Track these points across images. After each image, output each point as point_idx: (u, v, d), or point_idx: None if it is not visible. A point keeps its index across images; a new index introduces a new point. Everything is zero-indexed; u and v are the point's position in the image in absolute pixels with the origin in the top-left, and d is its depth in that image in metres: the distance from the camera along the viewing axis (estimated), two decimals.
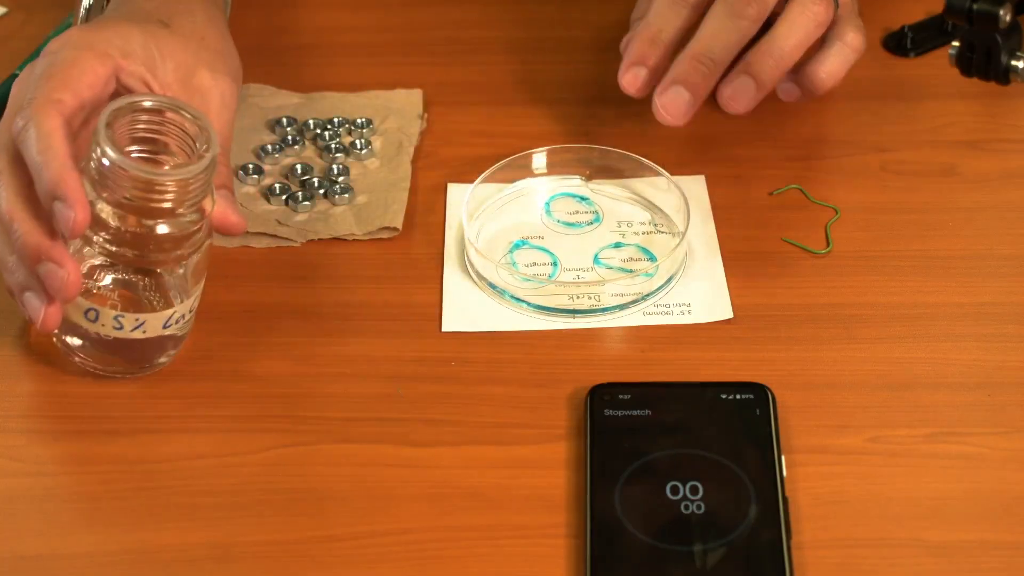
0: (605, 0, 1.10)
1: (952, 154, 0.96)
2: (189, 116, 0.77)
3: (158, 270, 0.80)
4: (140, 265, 0.79)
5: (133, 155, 0.77)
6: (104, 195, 0.76)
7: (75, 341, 0.80)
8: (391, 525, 0.75)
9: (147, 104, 0.77)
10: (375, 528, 0.75)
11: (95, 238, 0.77)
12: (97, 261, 0.79)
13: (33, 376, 0.82)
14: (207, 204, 0.78)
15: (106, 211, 0.76)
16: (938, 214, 0.92)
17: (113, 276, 0.80)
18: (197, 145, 0.77)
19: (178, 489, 0.77)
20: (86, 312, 0.78)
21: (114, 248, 0.77)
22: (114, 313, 0.78)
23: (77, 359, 0.81)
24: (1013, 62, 0.98)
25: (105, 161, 0.75)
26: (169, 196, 0.75)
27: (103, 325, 0.79)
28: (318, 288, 0.88)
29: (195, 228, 0.78)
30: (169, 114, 0.77)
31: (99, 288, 0.80)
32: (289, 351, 0.84)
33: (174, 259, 0.78)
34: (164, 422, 0.80)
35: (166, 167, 0.77)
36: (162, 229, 0.77)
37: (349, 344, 0.84)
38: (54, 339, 0.81)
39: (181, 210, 0.76)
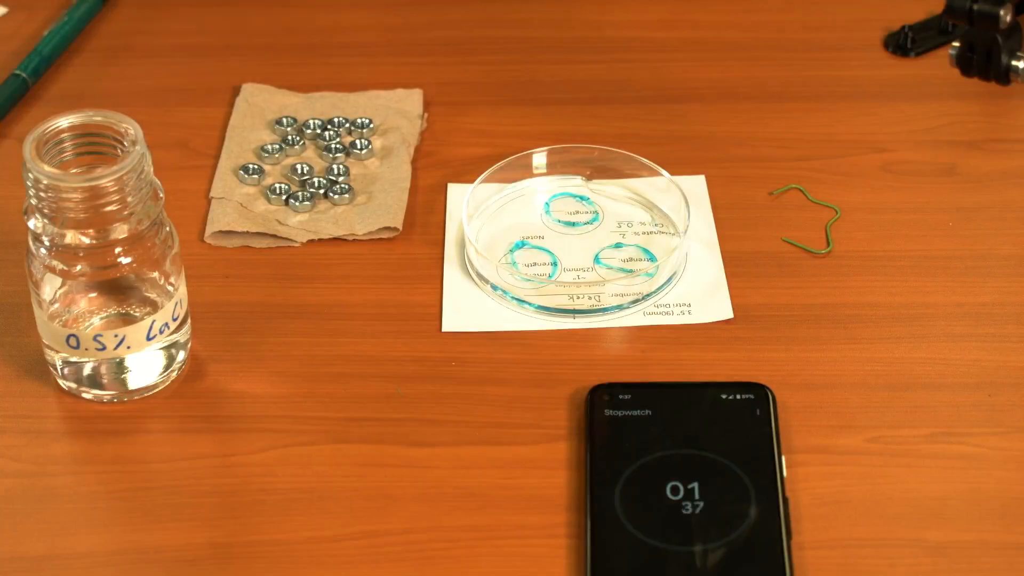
0: (605, 0, 1.10)
1: (952, 154, 0.96)
2: (110, 120, 0.77)
3: (134, 281, 0.79)
4: (112, 277, 0.78)
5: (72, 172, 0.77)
6: (56, 220, 0.76)
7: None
8: (391, 525, 0.75)
9: (65, 124, 0.77)
10: (375, 528, 0.75)
11: (61, 267, 0.77)
12: (76, 291, 0.79)
13: (33, 376, 0.82)
14: (155, 196, 0.78)
15: (67, 236, 0.76)
16: (938, 214, 0.92)
17: (89, 297, 0.80)
18: (125, 144, 0.77)
19: (178, 489, 0.77)
20: (67, 339, 0.79)
21: (84, 268, 0.77)
22: (94, 333, 0.78)
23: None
24: (1013, 62, 0.98)
25: (44, 182, 0.74)
26: (114, 197, 0.75)
27: (86, 349, 0.79)
28: (318, 288, 0.88)
29: (152, 222, 0.78)
30: (89, 126, 0.77)
31: (80, 315, 0.80)
32: (289, 351, 0.84)
33: (145, 262, 0.78)
34: (165, 422, 0.80)
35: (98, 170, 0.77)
36: (120, 232, 0.77)
37: (349, 344, 0.84)
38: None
39: (129, 208, 0.76)
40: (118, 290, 0.80)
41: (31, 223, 0.77)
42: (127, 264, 0.78)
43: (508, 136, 0.98)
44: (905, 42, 1.05)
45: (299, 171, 0.94)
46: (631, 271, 0.88)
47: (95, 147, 0.77)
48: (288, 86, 1.02)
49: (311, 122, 0.98)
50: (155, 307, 0.80)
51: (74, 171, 0.76)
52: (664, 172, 0.92)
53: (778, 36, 1.07)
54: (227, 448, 0.79)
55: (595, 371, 0.82)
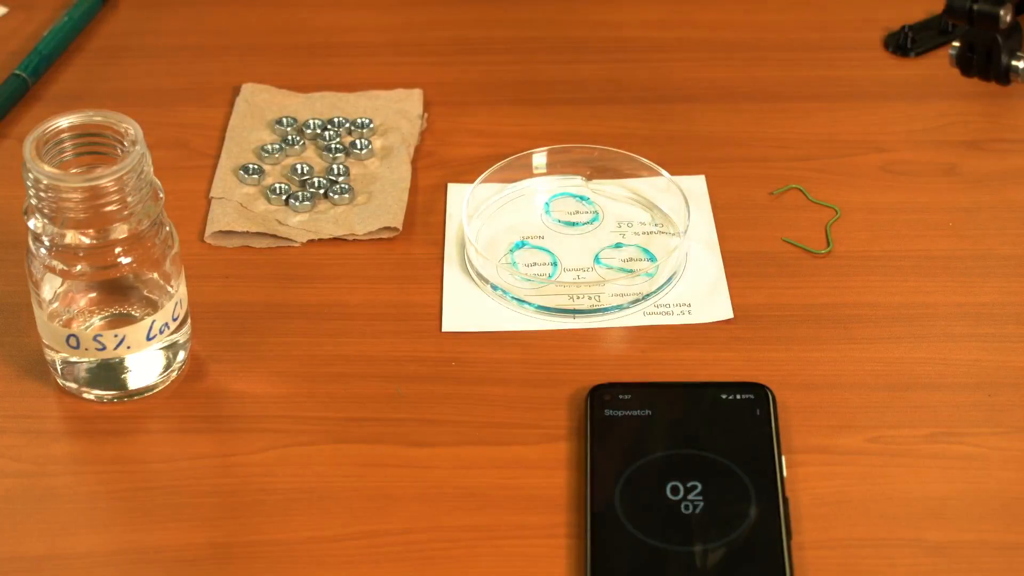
0: (605, 0, 1.10)
1: (952, 154, 0.96)
2: (110, 120, 0.77)
3: (133, 281, 0.79)
4: (112, 277, 0.78)
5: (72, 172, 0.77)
6: (56, 220, 0.75)
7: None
8: (391, 525, 0.75)
9: (65, 124, 0.77)
10: (375, 528, 0.75)
11: (61, 267, 0.77)
12: (76, 291, 0.79)
13: (33, 376, 0.82)
14: (155, 196, 0.78)
15: (67, 236, 0.76)
16: (938, 214, 0.92)
17: (89, 297, 0.80)
18: (125, 144, 0.77)
19: (178, 489, 0.77)
20: (67, 339, 0.79)
21: (84, 268, 0.77)
22: (93, 333, 0.78)
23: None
24: (1013, 62, 0.98)
25: (44, 182, 0.74)
26: (114, 197, 0.75)
27: (86, 349, 0.79)
28: (318, 288, 0.88)
29: (152, 222, 0.78)
30: (89, 126, 0.77)
31: (80, 315, 0.80)
32: (289, 351, 0.84)
33: (145, 262, 0.78)
34: (165, 422, 0.80)
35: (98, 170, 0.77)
36: (120, 232, 0.77)
37: (349, 344, 0.84)
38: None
39: (129, 208, 0.76)
40: (118, 290, 0.80)
41: (31, 223, 0.77)
42: (127, 264, 0.78)
43: (508, 136, 0.98)
44: (905, 42, 1.05)
45: (299, 171, 0.94)
46: (631, 271, 0.88)
47: (95, 147, 0.77)
48: (288, 86, 1.02)
49: (311, 122, 0.98)
50: (155, 307, 0.80)
51: (74, 171, 0.76)
52: (664, 172, 0.92)
53: (778, 36, 1.07)
54: (227, 448, 0.79)
55: (595, 371, 0.82)
